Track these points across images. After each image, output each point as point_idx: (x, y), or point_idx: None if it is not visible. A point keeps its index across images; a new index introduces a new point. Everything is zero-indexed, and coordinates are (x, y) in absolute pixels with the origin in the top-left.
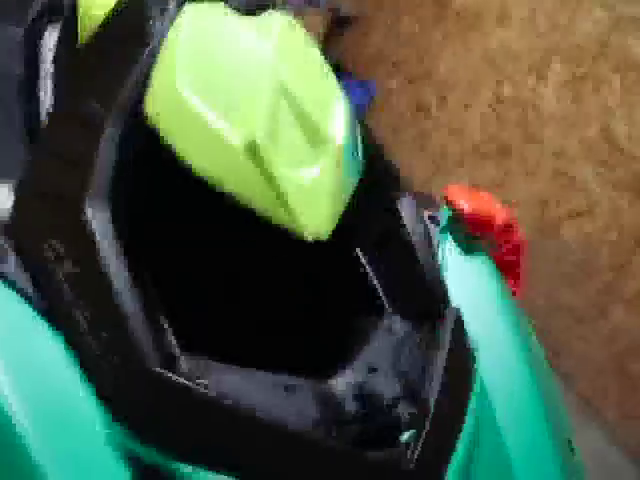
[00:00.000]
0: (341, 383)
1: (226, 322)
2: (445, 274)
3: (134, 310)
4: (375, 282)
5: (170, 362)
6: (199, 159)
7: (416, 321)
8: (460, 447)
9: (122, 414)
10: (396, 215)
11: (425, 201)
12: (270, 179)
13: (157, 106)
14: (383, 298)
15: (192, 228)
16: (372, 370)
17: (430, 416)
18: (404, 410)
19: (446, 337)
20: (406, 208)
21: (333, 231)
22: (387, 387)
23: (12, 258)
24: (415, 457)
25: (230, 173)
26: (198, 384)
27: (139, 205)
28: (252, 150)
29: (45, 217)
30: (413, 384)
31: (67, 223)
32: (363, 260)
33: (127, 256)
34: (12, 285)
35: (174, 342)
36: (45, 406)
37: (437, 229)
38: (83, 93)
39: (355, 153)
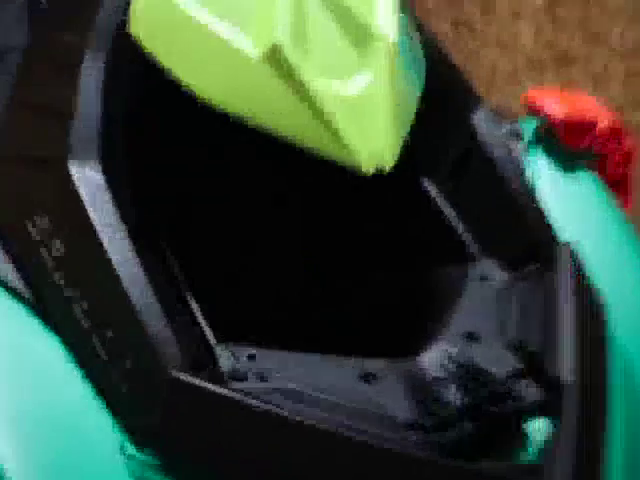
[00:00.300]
0: (433, 361)
1: (268, 295)
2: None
3: (144, 297)
4: (455, 221)
5: (201, 363)
6: (208, 81)
7: (516, 266)
8: (613, 440)
9: (140, 437)
10: (472, 133)
11: (499, 113)
12: (304, 94)
13: (147, 23)
14: (468, 241)
15: (213, 178)
16: (472, 338)
17: (566, 397)
18: (525, 391)
19: (565, 284)
20: (484, 124)
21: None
22: (497, 360)
23: None
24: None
25: (250, 94)
26: (246, 392)
27: (142, 155)
28: (275, 58)
29: (25, 187)
30: (532, 354)
31: (51, 192)
32: (435, 194)
33: (133, 227)
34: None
35: (209, 333)
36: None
37: (521, 146)
38: (54, 25)
39: (413, 55)
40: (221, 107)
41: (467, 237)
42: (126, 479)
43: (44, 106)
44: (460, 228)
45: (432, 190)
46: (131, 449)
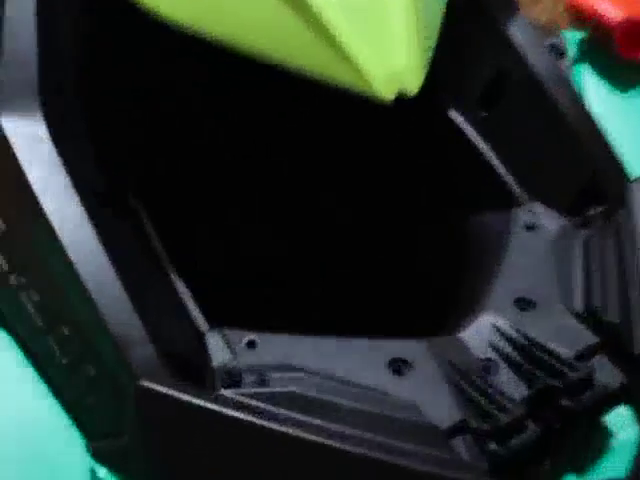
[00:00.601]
0: (478, 337)
1: (272, 266)
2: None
3: (104, 280)
4: (491, 158)
5: (185, 362)
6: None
7: (575, 210)
8: None
9: (110, 459)
10: (509, 48)
11: (538, 27)
12: (302, 6)
13: None
14: (510, 182)
15: (194, 126)
16: (525, 305)
17: None
18: (605, 375)
19: None
20: (522, 36)
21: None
22: (561, 333)
23: None
24: None
25: (242, 11)
26: (236, 403)
27: (104, 100)
28: None
29: None
30: (607, 323)
31: None
32: (464, 125)
33: (94, 192)
34: None
35: (199, 318)
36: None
37: (565, 62)
38: None
39: None
40: (189, 26)
41: (507, 177)
42: None
43: None
44: (498, 166)
45: (460, 120)
46: (102, 473)
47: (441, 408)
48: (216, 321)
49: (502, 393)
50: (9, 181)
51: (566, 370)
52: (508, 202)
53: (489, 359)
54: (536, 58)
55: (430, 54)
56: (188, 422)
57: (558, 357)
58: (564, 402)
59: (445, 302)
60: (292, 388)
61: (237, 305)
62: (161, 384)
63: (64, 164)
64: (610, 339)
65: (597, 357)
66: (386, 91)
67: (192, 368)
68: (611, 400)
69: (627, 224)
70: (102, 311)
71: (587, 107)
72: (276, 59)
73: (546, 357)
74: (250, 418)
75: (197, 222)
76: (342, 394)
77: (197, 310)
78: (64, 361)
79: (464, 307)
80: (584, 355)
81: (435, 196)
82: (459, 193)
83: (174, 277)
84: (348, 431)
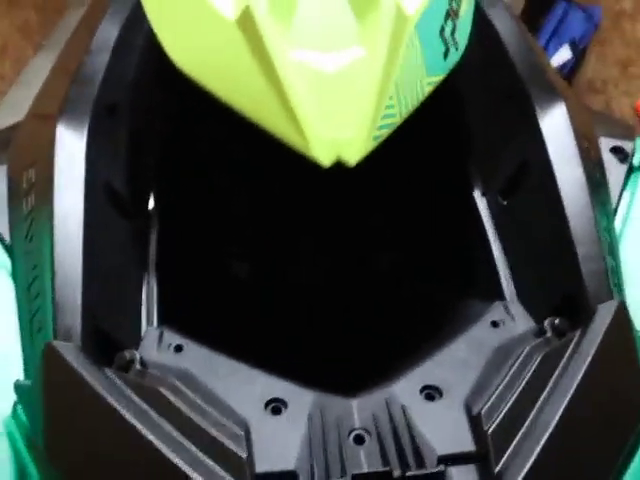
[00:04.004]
0: (368, 407)
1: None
2: (623, 247)
3: (70, 260)
4: (495, 246)
5: (107, 340)
6: (187, 47)
7: (544, 317)
8: None
9: (22, 396)
10: (536, 142)
11: (612, 126)
12: (269, 65)
13: None
14: (503, 274)
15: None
16: (434, 393)
17: None
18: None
19: (580, 359)
20: (554, 131)
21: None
22: (443, 430)
23: None
24: None
25: (223, 62)
26: (97, 376)
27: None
28: (247, 21)
29: (30, 141)
30: (493, 436)
31: (40, 147)
32: (483, 210)
33: (108, 192)
34: None
35: (150, 313)
36: None
37: (624, 167)
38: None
39: (449, 33)
40: (195, 77)
41: (502, 268)
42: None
43: (64, 66)
44: (497, 256)
45: (480, 203)
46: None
47: (278, 455)
48: (170, 321)
49: (343, 462)
50: (45, 170)
51: (422, 462)
52: (491, 294)
53: (366, 429)
54: (561, 156)
55: (390, 129)
56: (68, 383)
57: (420, 450)
58: None
59: (374, 365)
60: (158, 387)
61: (199, 309)
62: (64, 349)
63: (89, 169)
64: (485, 453)
65: (465, 467)
66: (324, 156)
67: (114, 351)
68: None
69: (570, 347)
70: (57, 283)
71: (596, 221)
72: (247, 113)
73: (410, 447)
74: (96, 388)
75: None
76: (196, 408)
77: (154, 307)
78: (29, 316)
79: (381, 375)
80: (452, 458)
81: (433, 272)
82: (453, 275)
83: (151, 275)
84: (167, 428)
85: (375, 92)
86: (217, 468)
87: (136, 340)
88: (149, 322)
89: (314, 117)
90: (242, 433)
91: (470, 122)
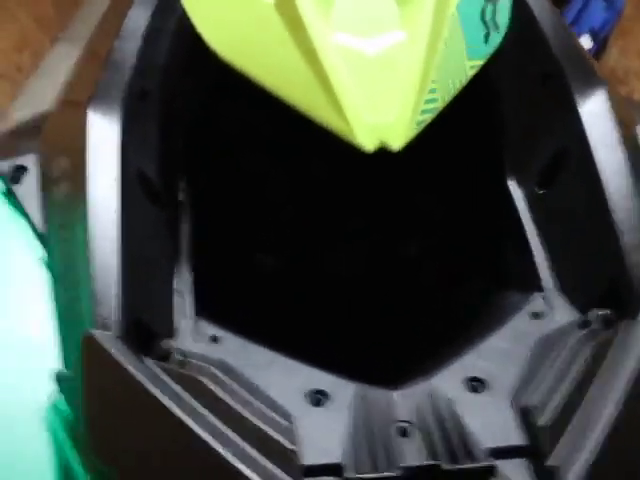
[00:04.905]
0: (411, 398)
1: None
2: None
3: (106, 251)
4: (533, 237)
5: (143, 331)
6: (227, 35)
7: (588, 308)
8: None
9: (62, 387)
10: (575, 127)
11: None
12: (310, 48)
13: None
14: (542, 265)
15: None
16: (478, 384)
17: None
18: (514, 475)
19: (633, 354)
20: (593, 113)
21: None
22: (491, 424)
23: (29, 179)
24: None
25: (262, 48)
26: (139, 364)
27: (180, 111)
28: (286, 4)
29: (62, 128)
30: (542, 430)
31: (72, 134)
32: (519, 200)
33: (142, 180)
34: (22, 213)
35: (186, 305)
36: None
37: None
38: None
39: (489, 15)
40: (233, 62)
41: (541, 259)
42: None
43: (94, 53)
44: (536, 247)
45: (516, 193)
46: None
47: (323, 448)
48: (204, 312)
49: (389, 454)
50: (77, 157)
51: (473, 457)
52: (530, 285)
53: (410, 422)
54: (601, 142)
55: (432, 113)
56: (109, 373)
57: (467, 443)
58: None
59: (416, 356)
60: (200, 377)
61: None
62: (104, 338)
63: (123, 155)
64: (539, 447)
65: (515, 461)
66: (367, 142)
67: (152, 341)
68: None
69: (624, 337)
70: (95, 273)
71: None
72: (286, 98)
73: (457, 440)
74: (137, 376)
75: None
76: (239, 399)
77: (188, 298)
78: (64, 309)
79: (425, 367)
80: (502, 452)
81: (470, 262)
82: (490, 266)
83: (184, 265)
84: (212, 419)
85: (417, 76)
86: (266, 462)
87: (171, 331)
88: (183, 313)
89: (357, 102)
90: (289, 425)
91: (504, 108)
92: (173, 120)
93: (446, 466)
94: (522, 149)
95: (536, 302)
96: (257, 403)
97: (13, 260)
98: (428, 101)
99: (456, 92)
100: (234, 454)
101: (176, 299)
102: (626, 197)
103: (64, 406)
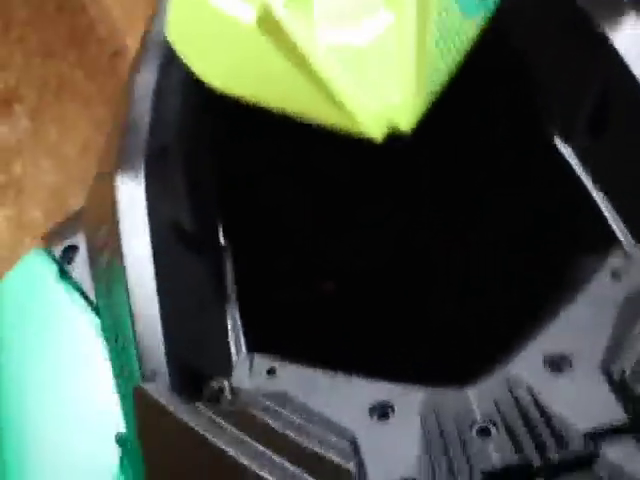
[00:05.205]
0: (487, 394)
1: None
2: None
3: (145, 302)
4: (594, 193)
5: (198, 377)
6: (217, 65)
7: None
8: None
9: (124, 447)
10: (614, 65)
11: None
12: (299, 55)
13: (174, 23)
14: (612, 221)
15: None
16: (561, 362)
17: None
18: (621, 459)
19: None
20: (630, 44)
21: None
22: (584, 403)
23: (81, 256)
24: None
25: (253, 68)
26: (190, 412)
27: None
28: (267, 20)
29: (97, 202)
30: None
31: (107, 204)
32: (570, 157)
33: (178, 227)
34: (77, 289)
35: (238, 341)
36: None
37: None
38: None
39: None
40: (233, 92)
41: (609, 215)
42: None
43: (116, 122)
44: (600, 203)
45: (564, 151)
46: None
47: (394, 463)
48: (260, 347)
49: (468, 459)
50: (113, 223)
51: (570, 445)
52: (604, 242)
53: (490, 419)
54: None
55: (437, 89)
56: (161, 422)
57: (559, 431)
58: None
59: (483, 349)
60: (252, 411)
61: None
62: (153, 389)
63: (152, 212)
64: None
65: (619, 440)
66: (375, 130)
67: (204, 384)
68: None
69: None
70: (135, 323)
71: None
72: (286, 109)
73: (546, 430)
74: (189, 423)
75: (273, 258)
76: (294, 426)
77: (241, 336)
78: (115, 350)
79: (495, 357)
80: (603, 433)
81: (532, 231)
82: (558, 232)
83: (233, 305)
84: (265, 452)
85: (414, 51)
86: None
87: (228, 371)
88: (238, 351)
89: (356, 92)
90: (347, 444)
91: (534, 64)
92: (200, 168)
93: (537, 462)
94: (563, 103)
95: (614, 259)
96: (314, 428)
97: (73, 334)
98: (432, 72)
99: (462, 57)
100: None
101: (231, 339)
102: None
103: (130, 469)
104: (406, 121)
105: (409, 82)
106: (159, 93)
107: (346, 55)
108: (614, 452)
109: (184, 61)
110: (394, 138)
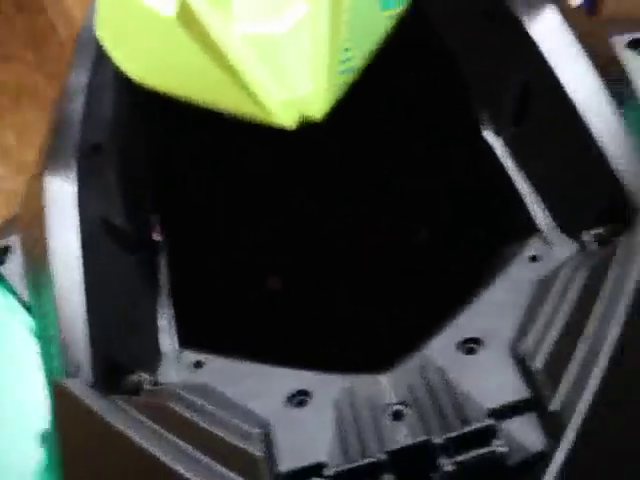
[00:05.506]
0: (404, 378)
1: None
2: None
3: (72, 299)
4: (517, 179)
5: (119, 371)
6: (141, 59)
7: (590, 232)
8: None
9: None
10: (534, 55)
11: (629, 24)
12: (215, 47)
13: (101, 19)
14: (532, 206)
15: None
16: (474, 344)
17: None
18: (518, 436)
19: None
20: (546, 33)
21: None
22: (493, 382)
23: (15, 257)
24: None
25: (175, 63)
26: (107, 403)
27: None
28: (185, 14)
29: (29, 201)
30: (536, 373)
31: (36, 204)
32: (496, 145)
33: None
34: (10, 290)
35: (168, 337)
36: None
37: None
38: None
39: None
40: (152, 85)
41: (530, 201)
42: None
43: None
44: (522, 189)
45: (491, 139)
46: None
47: (305, 449)
48: (190, 342)
49: (380, 442)
50: (39, 223)
51: (472, 422)
52: (526, 230)
53: (403, 403)
54: (564, 64)
55: (350, 78)
56: (77, 416)
57: (464, 410)
58: (442, 461)
59: (400, 333)
60: (169, 404)
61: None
62: (71, 384)
63: (82, 208)
64: (538, 395)
65: (520, 416)
66: (286, 118)
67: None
68: (517, 469)
69: (622, 251)
70: (60, 318)
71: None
72: (203, 102)
73: (453, 409)
74: (103, 416)
75: (208, 253)
76: (210, 417)
77: (172, 331)
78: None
79: (412, 341)
80: (502, 412)
81: (452, 218)
82: (479, 219)
83: (165, 300)
84: (179, 443)
85: (326, 41)
86: (231, 474)
87: (154, 365)
88: (166, 346)
89: (268, 81)
90: (257, 432)
91: (458, 57)
92: (134, 166)
93: (437, 439)
94: (488, 94)
95: (534, 245)
96: (231, 418)
97: (5, 335)
98: (343, 61)
99: (376, 46)
100: (197, 472)
101: (161, 334)
102: (600, 105)
103: (53, 465)
104: (317, 109)
105: (321, 71)
106: (91, 92)
107: (261, 44)
108: (512, 427)
109: (105, 49)
110: (307, 126)
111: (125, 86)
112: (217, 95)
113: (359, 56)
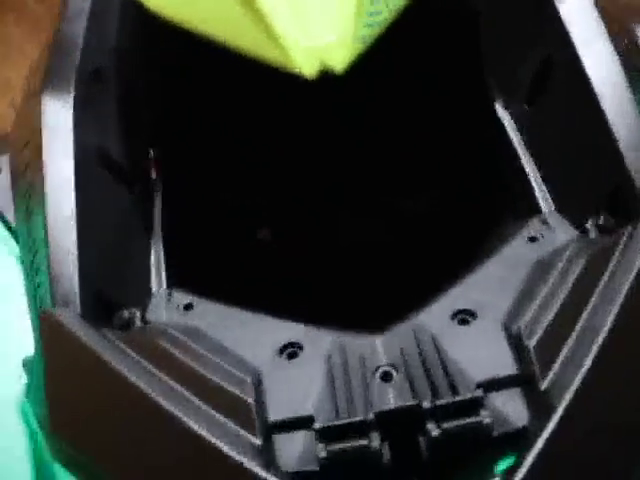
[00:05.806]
0: (393, 342)
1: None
2: None
3: (63, 229)
4: (524, 159)
5: (108, 307)
6: None
7: (593, 219)
8: None
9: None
10: (558, 34)
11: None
12: None
13: None
14: (536, 187)
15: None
16: (468, 316)
17: (552, 427)
18: (508, 407)
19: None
20: (574, 12)
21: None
22: (484, 354)
23: (3, 179)
24: None
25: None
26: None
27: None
28: None
29: (23, 122)
30: (527, 350)
31: (32, 124)
32: (507, 122)
33: (103, 158)
34: None
35: (158, 276)
36: None
37: None
38: None
39: None
40: (173, 18)
41: (534, 181)
42: None
43: (49, 39)
44: (528, 169)
45: (502, 115)
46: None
47: (294, 400)
48: (181, 282)
49: (367, 401)
50: (36, 145)
51: (444, 395)
52: (527, 209)
53: (393, 365)
54: (585, 42)
55: (375, 31)
56: (64, 345)
57: (454, 379)
58: (429, 426)
59: (394, 299)
60: (159, 341)
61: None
62: (59, 313)
63: (78, 136)
64: (529, 372)
65: (508, 391)
66: (305, 66)
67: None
68: (499, 440)
69: (624, 243)
70: (51, 247)
71: (635, 104)
72: (222, 39)
73: (443, 377)
74: (91, 346)
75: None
76: (200, 359)
77: (163, 270)
78: (31, 275)
79: (405, 308)
80: (491, 384)
81: (457, 188)
82: (485, 195)
83: (158, 238)
84: (168, 381)
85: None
86: (223, 418)
87: (144, 303)
88: (157, 285)
89: (293, 27)
90: (249, 379)
91: (483, 21)
92: (135, 98)
93: (426, 404)
94: (505, 66)
95: (533, 226)
96: (221, 362)
97: None
98: (371, 13)
99: (405, 1)
100: (187, 412)
101: (152, 272)
102: (618, 92)
103: (34, 393)
104: (340, 61)
105: (346, 20)
106: (95, 16)
107: None
108: (500, 400)
109: None
110: (326, 77)
111: (132, 14)
112: (237, 33)
113: (387, 9)
